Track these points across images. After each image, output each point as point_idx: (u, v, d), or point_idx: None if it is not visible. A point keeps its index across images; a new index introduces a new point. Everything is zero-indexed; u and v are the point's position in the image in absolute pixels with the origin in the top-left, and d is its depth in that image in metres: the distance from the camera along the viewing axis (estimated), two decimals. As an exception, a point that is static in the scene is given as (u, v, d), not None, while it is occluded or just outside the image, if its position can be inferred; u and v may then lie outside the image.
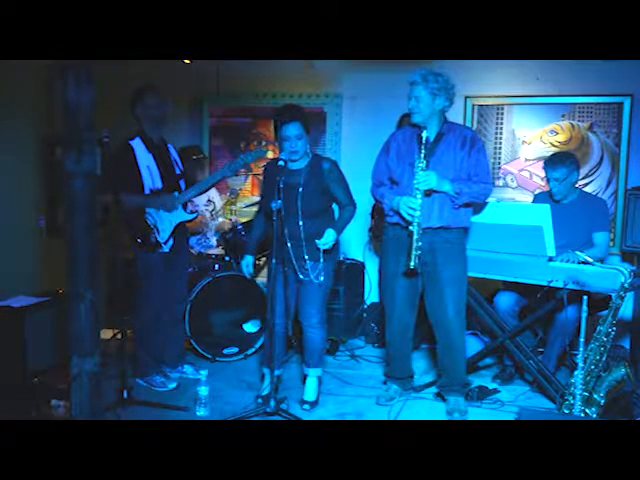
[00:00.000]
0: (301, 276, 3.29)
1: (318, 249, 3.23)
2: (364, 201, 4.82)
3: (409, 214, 3.14)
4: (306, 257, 3.27)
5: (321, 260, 3.26)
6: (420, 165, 3.11)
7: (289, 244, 3.26)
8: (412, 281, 3.30)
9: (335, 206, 3.46)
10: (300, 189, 3.24)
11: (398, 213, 3.22)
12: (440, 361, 3.45)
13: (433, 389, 3.63)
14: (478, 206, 3.42)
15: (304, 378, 3.52)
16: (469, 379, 3.54)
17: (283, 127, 3.21)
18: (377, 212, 4.47)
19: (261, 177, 3.57)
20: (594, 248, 3.62)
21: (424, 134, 3.13)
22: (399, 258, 3.25)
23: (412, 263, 3.11)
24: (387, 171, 3.36)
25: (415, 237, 3.11)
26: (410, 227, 3.13)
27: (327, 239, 3.22)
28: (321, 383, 3.54)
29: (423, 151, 3.12)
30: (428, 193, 3.16)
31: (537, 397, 3.59)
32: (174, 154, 3.73)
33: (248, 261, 3.48)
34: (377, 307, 4.74)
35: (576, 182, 3.76)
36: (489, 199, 3.40)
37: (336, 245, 3.33)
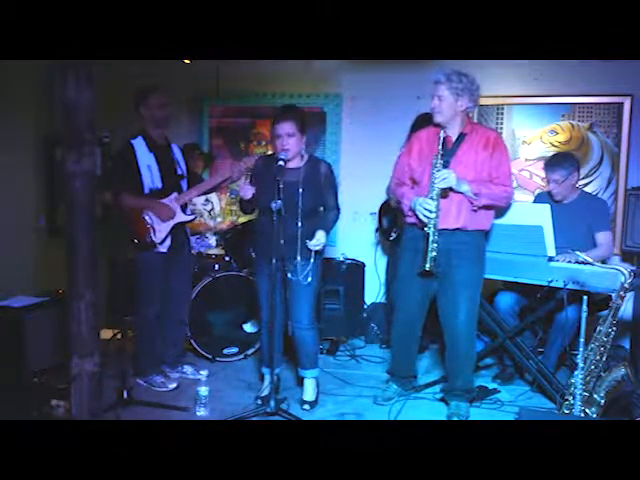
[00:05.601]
0: (290, 275, 3.28)
1: (309, 250, 3.24)
2: (363, 201, 4.84)
3: (425, 215, 3.12)
4: (298, 257, 3.26)
5: (311, 260, 3.27)
6: (437, 164, 3.09)
7: (282, 242, 3.22)
8: (426, 283, 3.26)
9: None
10: (300, 189, 3.24)
11: (416, 214, 3.20)
12: (446, 365, 3.41)
13: (433, 389, 3.63)
14: (501, 209, 3.36)
15: (301, 380, 3.51)
16: (474, 385, 3.46)
17: (276, 125, 3.24)
18: (385, 211, 4.44)
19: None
20: (598, 248, 3.63)
21: (442, 134, 3.12)
22: (415, 259, 3.22)
23: (427, 265, 3.10)
24: (408, 170, 3.33)
25: (431, 239, 3.09)
26: (426, 229, 3.11)
27: (319, 240, 3.22)
28: (319, 383, 3.53)
29: (441, 150, 3.10)
30: (445, 195, 3.13)
31: (537, 397, 3.59)
32: (177, 154, 3.71)
33: None
34: (377, 307, 4.74)
35: (576, 183, 3.77)
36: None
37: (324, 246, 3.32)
